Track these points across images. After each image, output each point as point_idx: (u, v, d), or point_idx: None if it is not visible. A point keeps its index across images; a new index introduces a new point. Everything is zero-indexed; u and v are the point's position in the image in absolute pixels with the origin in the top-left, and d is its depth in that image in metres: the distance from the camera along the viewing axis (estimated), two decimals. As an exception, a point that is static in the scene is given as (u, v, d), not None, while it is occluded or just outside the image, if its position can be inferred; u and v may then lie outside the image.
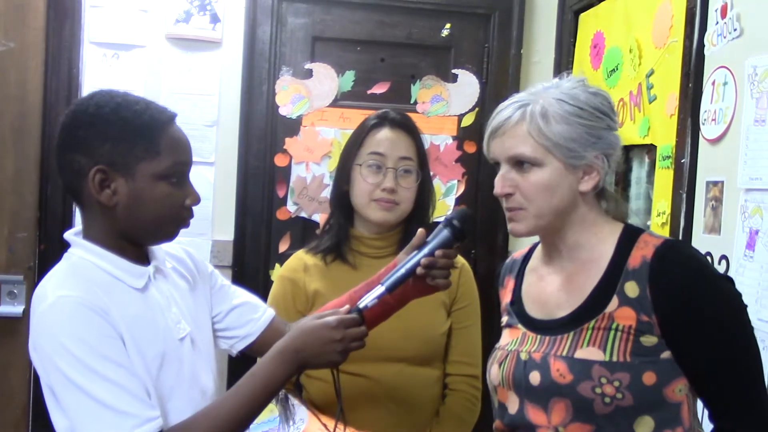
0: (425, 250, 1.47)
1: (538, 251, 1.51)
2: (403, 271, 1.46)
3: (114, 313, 1.33)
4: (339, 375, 1.49)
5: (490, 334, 2.83)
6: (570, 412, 1.30)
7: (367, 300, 1.44)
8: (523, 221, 1.37)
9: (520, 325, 1.45)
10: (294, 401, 1.74)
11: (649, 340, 1.29)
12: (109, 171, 1.36)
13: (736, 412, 1.30)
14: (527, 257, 1.54)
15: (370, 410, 1.81)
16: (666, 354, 1.29)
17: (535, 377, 1.34)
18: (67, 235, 1.44)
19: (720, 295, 1.30)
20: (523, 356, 1.38)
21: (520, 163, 1.36)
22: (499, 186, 1.38)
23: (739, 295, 1.33)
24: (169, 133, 1.40)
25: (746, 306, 1.32)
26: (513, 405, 1.39)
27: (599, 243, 1.38)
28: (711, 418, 1.34)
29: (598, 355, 1.29)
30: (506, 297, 1.53)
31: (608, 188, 1.43)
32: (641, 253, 1.32)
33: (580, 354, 1.30)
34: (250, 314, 1.63)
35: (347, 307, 1.44)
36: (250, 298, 1.66)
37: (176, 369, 1.41)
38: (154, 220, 1.40)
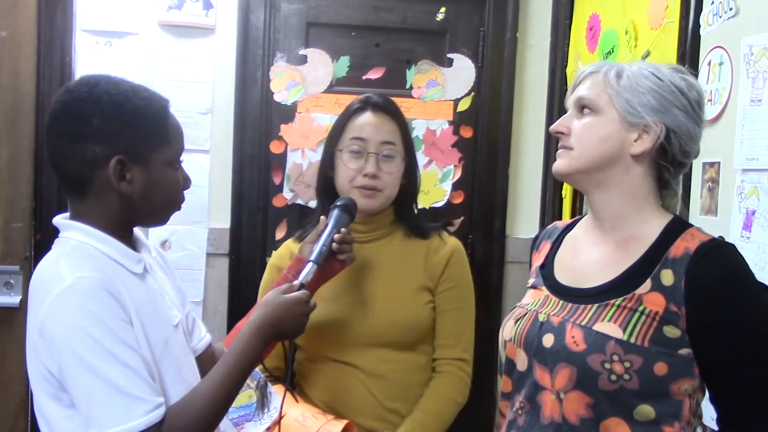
0: (330, 229, 1.71)
1: (584, 222, 1.52)
2: (324, 248, 1.68)
3: (125, 297, 1.33)
4: (293, 347, 1.72)
5: (488, 318, 2.86)
6: (573, 380, 1.30)
7: (305, 275, 1.62)
8: (566, 159, 1.41)
9: (544, 288, 1.46)
10: (272, 389, 1.76)
11: (672, 331, 1.28)
12: (126, 161, 1.37)
13: (746, 422, 1.30)
14: (569, 227, 1.56)
15: (356, 397, 1.82)
16: (684, 351, 1.29)
17: (548, 339, 1.35)
18: (59, 220, 1.42)
19: (753, 303, 1.29)
20: (542, 317, 1.39)
21: (582, 109, 1.40)
22: (555, 124, 1.43)
23: None
24: (171, 119, 1.44)
25: None
26: (522, 362, 1.40)
27: (643, 222, 1.38)
28: (718, 422, 1.34)
29: (616, 332, 1.29)
30: (538, 260, 1.55)
31: (673, 184, 1.43)
32: (686, 244, 1.32)
33: (599, 327, 1.31)
34: (197, 333, 1.65)
35: (297, 283, 1.59)
36: (198, 317, 1.69)
37: (175, 355, 1.43)
38: (163, 205, 1.44)
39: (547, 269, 1.50)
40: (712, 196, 1.87)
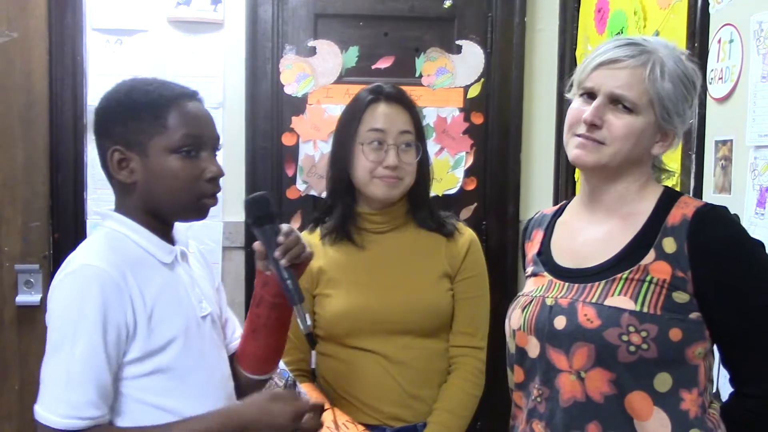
0: (276, 256, 1.46)
1: (573, 206, 1.54)
2: (289, 281, 1.46)
3: (135, 290, 1.37)
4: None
5: (503, 305, 2.85)
6: (592, 358, 1.32)
7: (305, 324, 1.46)
8: (597, 154, 1.38)
9: (546, 273, 1.47)
10: (300, 388, 1.76)
11: (682, 296, 1.31)
12: (125, 150, 1.41)
13: (758, 378, 1.32)
14: (558, 212, 1.57)
15: (380, 384, 1.83)
16: (694, 315, 1.31)
17: (560, 322, 1.36)
18: (100, 210, 1.50)
19: (754, 260, 1.33)
20: (549, 302, 1.40)
21: (617, 103, 1.37)
22: (592, 114, 1.37)
23: None
24: (179, 107, 1.44)
25: None
26: (534, 349, 1.41)
27: (641, 200, 1.41)
28: (732, 381, 1.36)
29: (629, 304, 1.31)
30: (533, 249, 1.56)
31: (661, 160, 1.47)
32: (682, 211, 1.35)
33: (610, 302, 1.33)
34: (230, 331, 1.67)
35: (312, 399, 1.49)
36: (233, 316, 1.71)
37: (198, 346, 1.45)
38: (172, 194, 1.44)
39: (544, 255, 1.51)
40: (725, 174, 1.87)
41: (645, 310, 1.30)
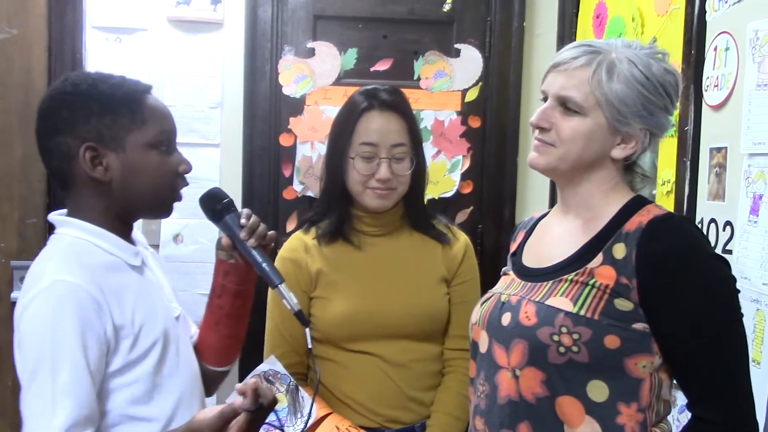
0: (237, 236, 1.47)
1: (554, 209, 1.54)
2: (264, 263, 1.47)
3: (113, 300, 1.31)
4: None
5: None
6: (526, 356, 1.31)
7: (292, 301, 1.45)
8: (546, 156, 1.39)
9: (512, 272, 1.49)
10: (303, 393, 1.74)
11: (624, 304, 1.28)
12: (99, 147, 1.35)
13: (710, 399, 1.26)
14: (544, 216, 1.58)
15: (377, 387, 1.84)
16: (639, 325, 1.28)
17: (506, 318, 1.37)
18: (53, 217, 1.41)
19: (706, 274, 1.28)
20: (503, 298, 1.41)
21: (564, 105, 1.36)
22: (537, 117, 1.39)
23: (730, 278, 1.31)
24: (149, 102, 1.41)
25: (737, 291, 1.30)
26: (484, 344, 1.42)
27: (606, 205, 1.40)
28: (688, 406, 1.31)
29: (567, 305, 1.30)
30: (512, 249, 1.58)
31: (643, 167, 1.44)
32: (640, 219, 1.33)
33: (551, 301, 1.32)
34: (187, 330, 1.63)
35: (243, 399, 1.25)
36: (183, 312, 1.65)
37: (175, 348, 1.43)
38: (150, 190, 1.40)
39: (517, 255, 1.53)
40: (719, 181, 1.88)
41: (582, 313, 1.28)
